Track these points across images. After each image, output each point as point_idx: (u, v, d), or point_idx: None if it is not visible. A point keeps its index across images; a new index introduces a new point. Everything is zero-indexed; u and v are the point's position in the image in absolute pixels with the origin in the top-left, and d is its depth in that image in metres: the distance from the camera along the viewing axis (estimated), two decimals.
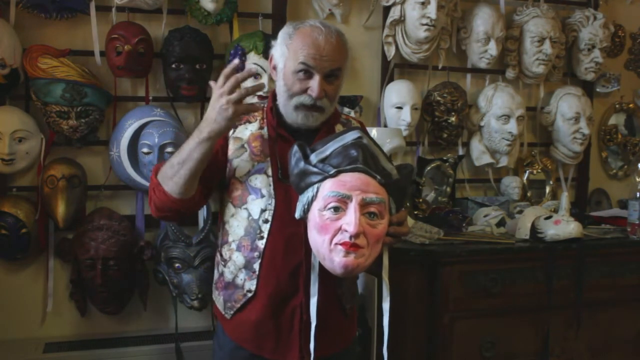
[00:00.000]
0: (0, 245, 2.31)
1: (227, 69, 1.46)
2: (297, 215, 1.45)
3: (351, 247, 1.33)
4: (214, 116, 1.45)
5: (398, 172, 1.47)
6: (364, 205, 1.36)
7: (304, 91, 1.53)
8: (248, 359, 1.63)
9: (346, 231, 1.34)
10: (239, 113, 1.45)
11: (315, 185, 1.40)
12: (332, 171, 1.39)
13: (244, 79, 1.46)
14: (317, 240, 1.39)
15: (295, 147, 1.45)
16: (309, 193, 1.41)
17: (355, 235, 1.33)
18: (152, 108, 2.46)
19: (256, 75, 2.47)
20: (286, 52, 1.56)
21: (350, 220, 1.34)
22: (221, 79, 1.46)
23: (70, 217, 2.35)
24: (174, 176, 1.50)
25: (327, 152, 1.43)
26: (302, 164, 1.42)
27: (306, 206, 1.42)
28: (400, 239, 1.52)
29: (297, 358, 1.60)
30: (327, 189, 1.37)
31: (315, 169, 1.40)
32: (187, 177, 1.49)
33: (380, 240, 1.41)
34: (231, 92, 1.44)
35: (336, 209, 1.36)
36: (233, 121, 1.46)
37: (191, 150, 1.47)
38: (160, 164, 1.58)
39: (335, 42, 1.54)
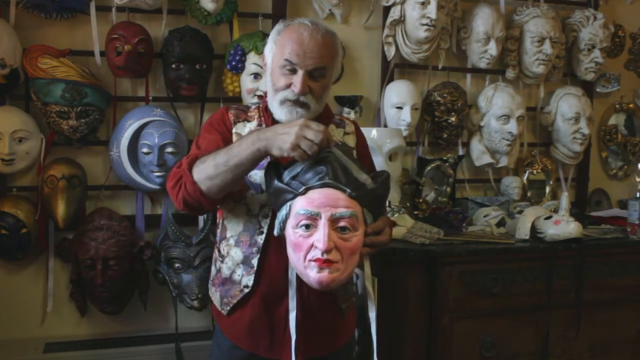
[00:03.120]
0: (0, 245, 2.31)
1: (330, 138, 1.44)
2: (275, 232, 1.47)
3: (324, 262, 1.35)
4: (290, 141, 1.39)
5: (374, 180, 1.47)
6: (333, 220, 1.37)
7: (288, 86, 1.54)
8: (244, 358, 1.64)
9: (317, 248, 1.35)
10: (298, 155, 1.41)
11: (288, 204, 1.42)
12: (302, 189, 1.40)
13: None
14: (293, 257, 1.41)
15: (268, 166, 1.47)
16: (282, 211, 1.43)
17: (326, 251, 1.35)
18: (152, 108, 2.46)
19: (256, 75, 2.48)
20: (274, 48, 1.57)
21: (319, 237, 1.35)
22: (324, 129, 1.42)
23: (70, 217, 2.35)
24: (215, 177, 1.44)
25: (298, 169, 1.44)
26: (275, 183, 1.44)
27: (282, 224, 1.44)
28: (379, 248, 1.51)
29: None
30: (298, 207, 1.39)
31: (287, 187, 1.42)
32: (230, 182, 1.46)
33: (356, 252, 1.41)
34: (317, 143, 1.40)
35: (307, 227, 1.38)
36: (293, 150, 1.40)
37: (243, 158, 1.43)
38: (192, 157, 1.52)
39: (320, 40, 1.53)
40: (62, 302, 2.50)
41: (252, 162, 1.45)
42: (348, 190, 1.40)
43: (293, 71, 1.53)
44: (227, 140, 1.57)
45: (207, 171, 1.45)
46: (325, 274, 1.36)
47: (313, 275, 1.36)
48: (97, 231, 2.34)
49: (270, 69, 1.59)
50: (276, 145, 1.41)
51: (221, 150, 1.47)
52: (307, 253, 1.37)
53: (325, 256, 1.35)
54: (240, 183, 1.54)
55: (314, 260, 1.36)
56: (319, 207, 1.37)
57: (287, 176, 1.44)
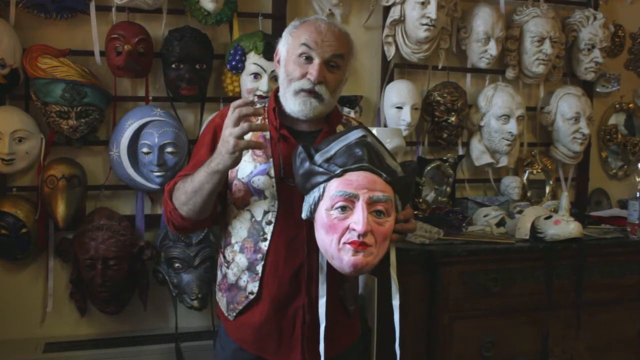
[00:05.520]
0: (0, 245, 2.31)
1: (238, 102, 1.44)
2: (304, 215, 1.46)
3: (360, 245, 1.34)
4: (221, 149, 1.45)
5: (402, 169, 1.47)
6: (371, 203, 1.36)
7: (304, 76, 1.54)
8: None
9: (354, 230, 1.34)
10: (241, 147, 1.42)
11: (322, 185, 1.41)
12: (338, 170, 1.39)
13: (248, 114, 1.42)
14: (325, 240, 1.39)
15: (300, 148, 1.45)
16: (315, 193, 1.42)
17: (364, 234, 1.34)
18: (152, 108, 2.46)
19: (256, 75, 2.47)
20: (290, 40, 1.58)
21: (358, 219, 1.34)
22: (230, 110, 1.44)
23: (70, 217, 2.35)
24: (188, 202, 1.53)
25: (332, 152, 1.43)
26: (307, 164, 1.42)
27: (313, 206, 1.42)
28: (406, 235, 1.53)
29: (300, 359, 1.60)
30: (334, 188, 1.38)
31: (320, 169, 1.41)
32: (201, 205, 1.52)
33: (388, 238, 1.41)
34: (235, 125, 1.41)
35: (343, 209, 1.36)
36: (235, 155, 1.43)
37: (202, 182, 1.48)
38: (171, 184, 1.59)
39: (337, 31, 1.57)
40: (62, 302, 2.50)
41: (213, 185, 1.48)
42: (384, 175, 1.40)
43: (309, 60, 1.54)
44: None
45: (180, 198, 1.54)
46: (360, 257, 1.35)
47: (347, 258, 1.35)
48: (97, 231, 2.34)
49: (284, 60, 1.59)
50: (222, 153, 1.43)
51: (189, 176, 1.53)
52: (342, 235, 1.36)
53: (361, 239, 1.34)
54: (215, 203, 1.58)
55: (350, 243, 1.35)
56: (357, 189, 1.36)
57: (319, 158, 1.43)
